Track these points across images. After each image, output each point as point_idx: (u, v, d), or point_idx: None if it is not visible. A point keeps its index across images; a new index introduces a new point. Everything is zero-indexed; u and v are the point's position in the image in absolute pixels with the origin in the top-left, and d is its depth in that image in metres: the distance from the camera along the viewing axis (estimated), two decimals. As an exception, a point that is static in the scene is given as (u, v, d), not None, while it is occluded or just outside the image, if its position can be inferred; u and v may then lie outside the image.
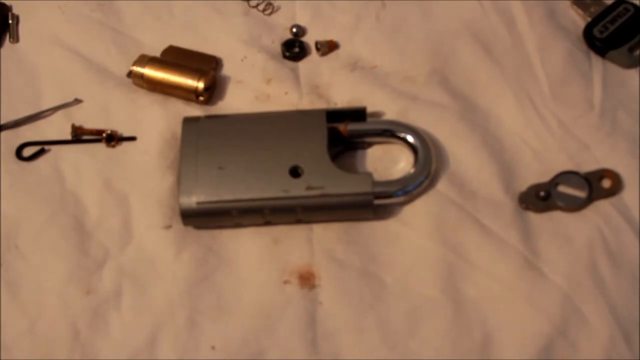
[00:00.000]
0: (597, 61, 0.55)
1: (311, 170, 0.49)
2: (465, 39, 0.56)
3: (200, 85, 0.54)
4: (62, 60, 0.57)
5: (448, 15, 0.57)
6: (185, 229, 0.50)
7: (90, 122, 0.54)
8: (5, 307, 0.48)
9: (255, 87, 0.55)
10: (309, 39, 0.57)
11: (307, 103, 0.55)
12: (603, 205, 0.50)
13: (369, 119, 0.52)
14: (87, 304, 0.48)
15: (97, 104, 0.55)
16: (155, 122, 0.54)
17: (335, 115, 0.51)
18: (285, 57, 0.57)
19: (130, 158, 0.53)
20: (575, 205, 0.50)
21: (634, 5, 0.56)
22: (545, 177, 0.51)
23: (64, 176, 0.52)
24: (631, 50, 0.55)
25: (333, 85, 0.55)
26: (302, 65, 0.57)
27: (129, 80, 0.56)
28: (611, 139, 0.52)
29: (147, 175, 0.52)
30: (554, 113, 0.53)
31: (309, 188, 0.49)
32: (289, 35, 0.58)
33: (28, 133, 0.54)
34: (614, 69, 0.55)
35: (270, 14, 0.59)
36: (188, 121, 0.52)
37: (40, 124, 0.55)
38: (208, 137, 0.51)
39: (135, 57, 0.55)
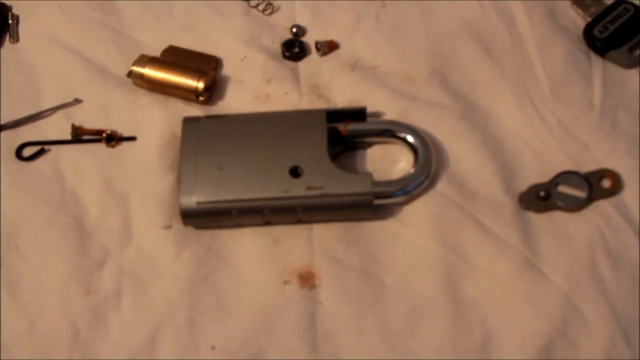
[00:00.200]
0: (597, 61, 0.55)
1: (311, 170, 0.49)
2: (465, 39, 0.56)
3: (200, 85, 0.54)
4: (62, 60, 0.57)
5: (448, 15, 0.57)
6: (185, 229, 0.50)
7: (90, 122, 0.54)
8: (5, 307, 0.48)
9: (255, 87, 0.55)
10: (309, 39, 0.57)
11: (307, 103, 0.55)
12: (603, 205, 0.50)
13: (369, 119, 0.52)
14: (87, 304, 0.48)
15: (97, 104, 0.55)
16: (155, 122, 0.54)
17: (335, 115, 0.51)
18: (285, 57, 0.57)
19: (130, 158, 0.53)
20: (575, 205, 0.49)
21: (634, 5, 0.56)
22: (545, 177, 0.51)
23: (64, 176, 0.52)
24: (631, 50, 0.55)
25: (333, 85, 0.55)
26: (302, 65, 0.57)
27: (129, 80, 0.55)
28: (611, 139, 0.52)
29: (147, 175, 0.52)
30: (554, 113, 0.53)
31: (309, 188, 0.48)
32: (289, 35, 0.58)
33: (28, 133, 0.54)
34: (614, 69, 0.55)
35: (270, 14, 0.59)
36: (188, 121, 0.52)
37: (40, 124, 0.55)
38: (208, 137, 0.51)
39: (135, 57, 0.55)
